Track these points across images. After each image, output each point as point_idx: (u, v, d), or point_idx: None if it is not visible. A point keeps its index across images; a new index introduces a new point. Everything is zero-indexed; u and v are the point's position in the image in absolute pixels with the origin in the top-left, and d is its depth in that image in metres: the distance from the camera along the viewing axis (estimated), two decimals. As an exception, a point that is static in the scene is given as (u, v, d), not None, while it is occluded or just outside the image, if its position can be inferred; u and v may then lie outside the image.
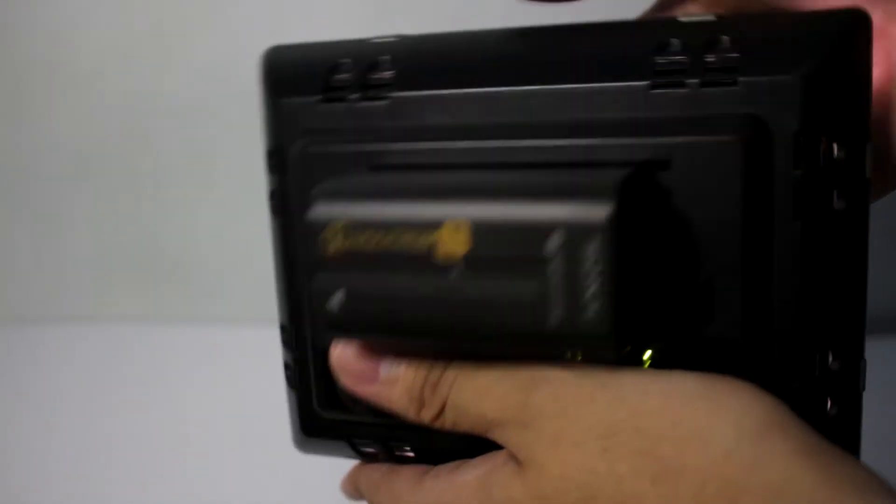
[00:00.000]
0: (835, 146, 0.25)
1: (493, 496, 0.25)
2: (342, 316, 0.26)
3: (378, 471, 0.31)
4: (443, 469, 0.28)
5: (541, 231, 0.23)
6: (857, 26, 0.25)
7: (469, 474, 0.27)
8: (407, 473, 0.29)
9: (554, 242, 0.23)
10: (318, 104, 0.30)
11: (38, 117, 0.77)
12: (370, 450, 0.32)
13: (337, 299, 0.26)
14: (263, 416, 0.66)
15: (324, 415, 0.32)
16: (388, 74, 0.30)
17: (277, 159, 0.31)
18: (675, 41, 0.26)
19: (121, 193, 0.79)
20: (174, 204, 0.78)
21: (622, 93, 0.26)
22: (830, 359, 0.26)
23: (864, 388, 0.27)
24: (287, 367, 0.33)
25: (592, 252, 0.23)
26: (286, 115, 0.31)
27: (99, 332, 0.79)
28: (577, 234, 0.23)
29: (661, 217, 0.25)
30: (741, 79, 0.25)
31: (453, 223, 0.24)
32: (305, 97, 0.30)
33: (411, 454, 0.31)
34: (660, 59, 0.26)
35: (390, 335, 0.26)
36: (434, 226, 0.24)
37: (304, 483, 0.55)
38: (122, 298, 0.82)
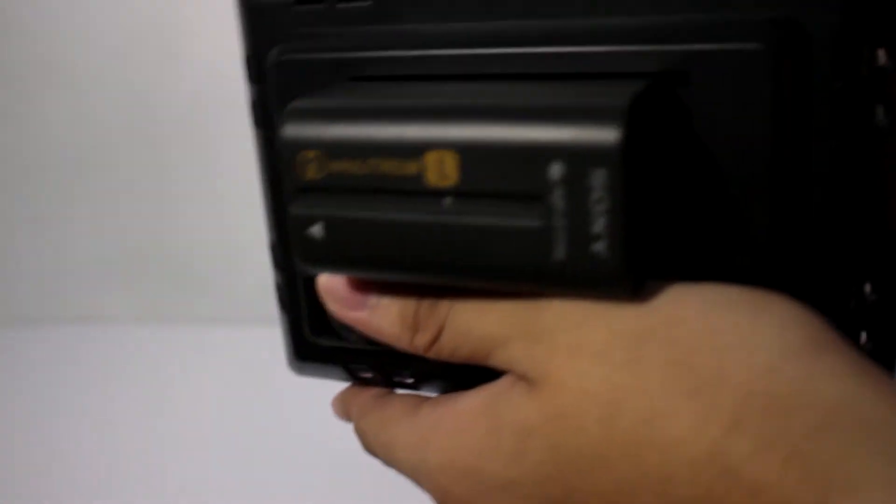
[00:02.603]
0: (880, 52, 0.22)
1: (502, 419, 0.23)
2: (324, 247, 0.24)
3: (370, 394, 0.29)
4: (441, 398, 0.26)
5: (539, 159, 0.21)
6: None
7: (473, 400, 0.24)
8: (401, 400, 0.27)
9: (555, 172, 0.21)
10: (294, 5, 0.28)
11: (38, 117, 0.77)
12: (367, 375, 0.30)
13: (318, 228, 0.23)
14: (262, 416, 0.66)
15: (316, 341, 0.31)
16: None
17: (254, 67, 0.29)
18: None
19: (121, 193, 0.79)
20: (174, 204, 0.78)
21: None
22: (868, 290, 0.23)
23: None
24: (278, 287, 0.32)
25: (599, 182, 0.20)
26: (260, 18, 0.28)
27: (99, 332, 0.79)
28: (580, 162, 0.20)
29: (678, 137, 0.23)
30: None
31: (436, 154, 0.22)
32: None
33: (410, 380, 0.29)
34: None
35: (378, 269, 0.24)
36: (415, 154, 0.22)
37: (304, 482, 0.55)
38: (122, 298, 0.82)
